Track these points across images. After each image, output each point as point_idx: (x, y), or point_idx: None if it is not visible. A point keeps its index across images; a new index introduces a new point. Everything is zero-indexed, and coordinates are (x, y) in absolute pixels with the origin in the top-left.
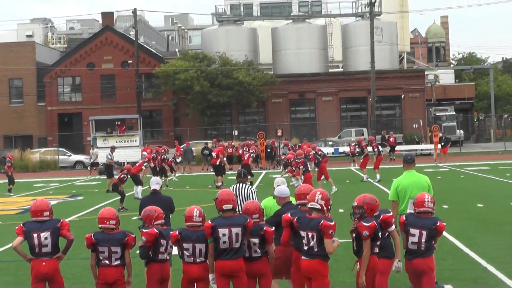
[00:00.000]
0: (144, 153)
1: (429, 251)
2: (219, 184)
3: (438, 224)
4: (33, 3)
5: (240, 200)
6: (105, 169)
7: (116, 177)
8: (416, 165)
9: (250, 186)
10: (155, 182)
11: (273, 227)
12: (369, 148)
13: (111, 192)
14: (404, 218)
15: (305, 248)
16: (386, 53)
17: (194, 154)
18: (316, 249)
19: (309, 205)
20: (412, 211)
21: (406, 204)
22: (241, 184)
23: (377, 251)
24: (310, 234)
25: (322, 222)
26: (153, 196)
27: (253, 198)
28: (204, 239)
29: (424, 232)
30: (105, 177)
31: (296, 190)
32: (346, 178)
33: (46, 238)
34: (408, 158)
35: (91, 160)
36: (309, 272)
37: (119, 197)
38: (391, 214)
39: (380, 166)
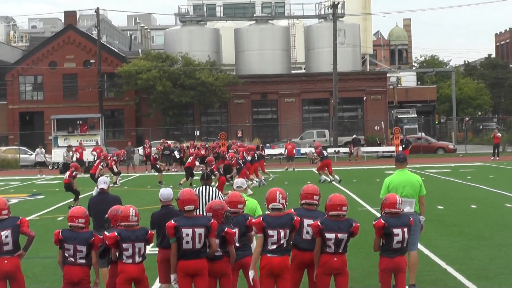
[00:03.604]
0: (94, 153)
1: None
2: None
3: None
4: None
5: (204, 203)
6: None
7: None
8: (404, 165)
9: (217, 190)
10: (103, 182)
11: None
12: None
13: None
14: (383, 221)
15: (333, 247)
16: (349, 55)
17: (141, 154)
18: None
19: (331, 213)
20: (405, 209)
21: None
22: (206, 186)
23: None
24: (340, 235)
25: (354, 224)
26: (101, 195)
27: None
28: (143, 239)
29: (406, 229)
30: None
31: (303, 189)
32: (307, 179)
33: (7, 237)
34: (401, 157)
35: (36, 159)
36: (341, 266)
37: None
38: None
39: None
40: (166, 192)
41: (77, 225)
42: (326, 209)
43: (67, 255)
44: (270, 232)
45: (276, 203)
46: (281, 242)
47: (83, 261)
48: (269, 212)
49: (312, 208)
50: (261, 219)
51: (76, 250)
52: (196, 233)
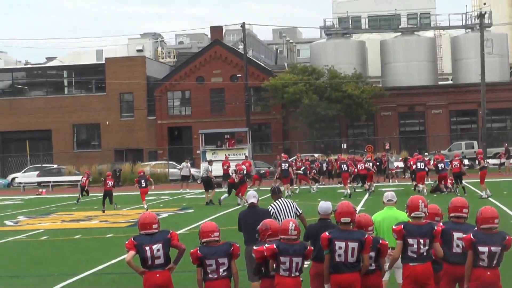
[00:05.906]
0: (243, 167)
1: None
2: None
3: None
4: (143, 18)
5: (284, 216)
6: (204, 182)
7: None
8: None
9: (293, 202)
10: (252, 196)
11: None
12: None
13: (212, 204)
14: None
15: (486, 261)
16: (496, 65)
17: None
18: None
19: (483, 226)
20: None
21: None
22: (281, 200)
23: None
24: (493, 248)
25: (507, 237)
26: (251, 209)
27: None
28: (300, 253)
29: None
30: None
31: (451, 202)
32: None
33: (158, 250)
34: None
35: (181, 173)
36: (494, 281)
37: (226, 211)
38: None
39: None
40: (324, 205)
41: (213, 239)
42: (477, 222)
43: (209, 270)
44: (410, 241)
45: (418, 212)
46: (421, 251)
47: (225, 273)
48: (410, 220)
49: (461, 221)
50: (402, 226)
51: (218, 264)
52: (349, 246)
